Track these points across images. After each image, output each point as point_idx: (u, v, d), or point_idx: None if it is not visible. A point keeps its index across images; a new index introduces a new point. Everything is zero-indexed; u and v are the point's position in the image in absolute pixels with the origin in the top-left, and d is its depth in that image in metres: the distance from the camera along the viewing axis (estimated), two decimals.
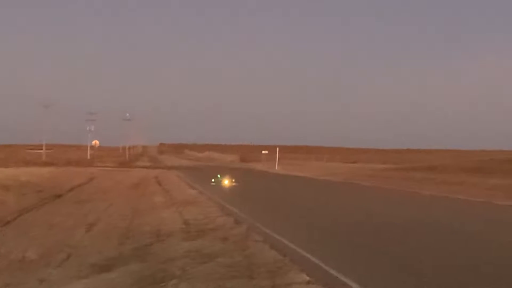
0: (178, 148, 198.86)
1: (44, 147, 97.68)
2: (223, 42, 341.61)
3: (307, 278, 9.69)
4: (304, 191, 36.02)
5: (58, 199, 29.86)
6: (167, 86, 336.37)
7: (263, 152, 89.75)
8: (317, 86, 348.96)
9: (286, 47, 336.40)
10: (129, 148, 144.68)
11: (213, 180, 37.41)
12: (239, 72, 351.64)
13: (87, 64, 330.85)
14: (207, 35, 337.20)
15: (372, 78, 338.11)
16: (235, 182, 37.41)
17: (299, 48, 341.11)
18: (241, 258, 11.54)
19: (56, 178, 42.06)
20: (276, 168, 72.28)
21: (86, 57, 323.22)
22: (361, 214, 21.20)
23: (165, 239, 14.93)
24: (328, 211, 22.72)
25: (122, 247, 14.44)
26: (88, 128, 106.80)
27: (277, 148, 76.66)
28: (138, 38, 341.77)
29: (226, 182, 37.00)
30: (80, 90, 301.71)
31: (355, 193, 33.75)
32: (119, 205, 25.84)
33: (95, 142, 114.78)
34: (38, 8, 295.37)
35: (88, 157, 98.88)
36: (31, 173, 41.47)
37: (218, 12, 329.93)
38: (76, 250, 14.58)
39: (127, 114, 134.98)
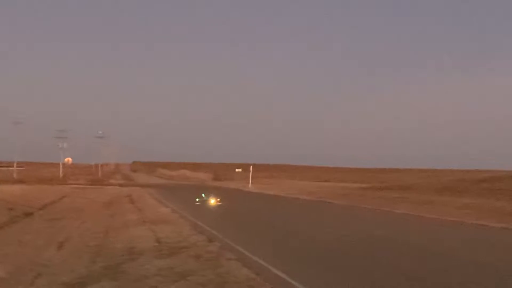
0: (151, 166, 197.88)
1: (15, 165, 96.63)
2: (195, 59, 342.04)
3: None
4: (278, 209, 36.01)
5: (29, 217, 29.56)
6: (140, 104, 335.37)
7: (237, 170, 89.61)
8: (290, 105, 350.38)
9: (260, 66, 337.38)
10: (102, 165, 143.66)
11: (197, 199, 36.57)
12: (213, 90, 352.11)
13: (59, 81, 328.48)
14: (174, 52, 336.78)
15: (346, 96, 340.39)
16: (220, 201, 36.47)
17: (276, 66, 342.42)
18: (213, 276, 11.51)
19: (27, 196, 41.61)
20: (250, 186, 72.22)
21: (58, 73, 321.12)
22: (335, 233, 21.31)
23: (137, 257, 14.83)
24: (302, 228, 22.75)
25: (94, 266, 14.31)
26: (60, 146, 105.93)
27: (251, 167, 76.61)
28: (111, 55, 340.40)
29: (212, 201, 36.05)
30: (53, 107, 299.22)
31: (329, 212, 33.84)
32: (91, 223, 25.65)
33: (68, 160, 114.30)
34: (11, 24, 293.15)
35: (61, 174, 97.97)
36: (1, 191, 40.96)
37: (197, 28, 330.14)
38: (47, 269, 14.43)
39: (100, 132, 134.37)
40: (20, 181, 70.61)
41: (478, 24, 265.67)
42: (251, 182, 75.25)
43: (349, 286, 10.97)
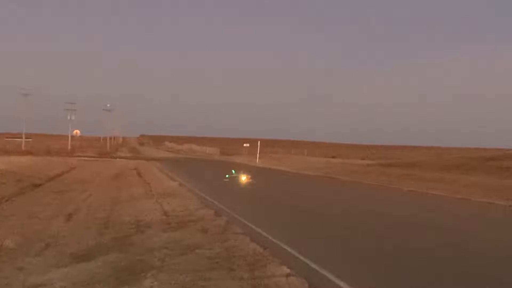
0: (158, 140, 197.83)
1: (23, 136, 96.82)
2: (206, 41, 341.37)
3: (288, 270, 9.72)
4: (284, 184, 35.98)
5: (37, 189, 29.65)
6: (148, 78, 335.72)
7: (244, 145, 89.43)
8: (299, 82, 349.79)
9: (268, 46, 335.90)
10: (110, 138, 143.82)
11: (227, 175, 33.90)
12: (222, 67, 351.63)
13: (69, 55, 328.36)
14: (190, 34, 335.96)
15: (356, 74, 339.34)
16: (251, 178, 33.33)
17: (282, 45, 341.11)
18: (221, 250, 11.53)
19: (35, 167, 41.69)
20: (257, 161, 72.17)
21: (68, 47, 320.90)
22: (340, 209, 21.36)
23: (144, 230, 14.88)
24: (308, 203, 22.76)
25: (101, 238, 14.36)
26: (68, 118, 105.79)
27: (258, 142, 76.42)
28: (121, 32, 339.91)
29: (243, 178, 33.01)
30: (62, 80, 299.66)
31: (335, 188, 33.84)
32: (98, 196, 25.71)
33: (76, 132, 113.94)
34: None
35: (69, 146, 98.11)
36: (10, 162, 41.05)
37: (205, 12, 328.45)
38: (55, 240, 14.49)
39: (108, 105, 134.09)
40: (28, 153, 70.71)
41: None
42: (259, 157, 75.19)
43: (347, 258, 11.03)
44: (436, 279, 9.74)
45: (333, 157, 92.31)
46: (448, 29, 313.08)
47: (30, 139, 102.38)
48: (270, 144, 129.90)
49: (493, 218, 20.27)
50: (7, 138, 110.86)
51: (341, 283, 9.20)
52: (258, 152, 76.32)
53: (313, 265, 10.50)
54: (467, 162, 42.68)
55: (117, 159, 72.10)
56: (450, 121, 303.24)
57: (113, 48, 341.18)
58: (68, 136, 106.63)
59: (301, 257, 11.16)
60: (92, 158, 70.76)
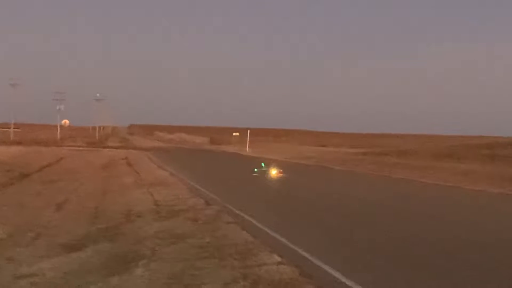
0: (148, 129, 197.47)
1: (12, 126, 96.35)
2: (196, 28, 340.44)
3: (279, 259, 9.79)
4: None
5: (27, 179, 29.57)
6: (137, 68, 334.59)
7: (234, 134, 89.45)
8: (287, 71, 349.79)
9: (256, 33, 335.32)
10: (99, 128, 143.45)
11: (255, 169, 31.15)
12: (211, 55, 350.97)
13: (58, 44, 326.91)
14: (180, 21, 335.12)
15: (346, 62, 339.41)
16: (282, 172, 30.38)
17: (272, 32, 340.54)
18: (211, 239, 11.59)
19: (24, 157, 41.61)
20: (247, 150, 72.19)
21: (57, 37, 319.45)
22: (333, 197, 21.48)
23: (135, 219, 14.92)
24: (300, 193, 22.85)
25: (92, 227, 14.40)
26: (57, 108, 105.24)
27: (248, 130, 76.36)
28: (110, 20, 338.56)
29: (273, 172, 30.15)
30: (51, 70, 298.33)
31: (327, 176, 33.96)
32: (88, 185, 25.72)
33: (65, 122, 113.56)
34: None
35: (58, 136, 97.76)
36: None
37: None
38: (45, 230, 14.50)
39: (98, 94, 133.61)
40: (17, 143, 70.44)
41: None
42: (248, 146, 75.18)
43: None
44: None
45: (324, 145, 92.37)
46: (437, 20, 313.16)
47: (18, 129, 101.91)
48: (260, 133, 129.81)
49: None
50: None
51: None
52: (248, 141, 76.30)
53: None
54: (459, 150, 42.87)
55: (107, 149, 71.95)
56: (444, 109, 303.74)
57: (103, 38, 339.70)
58: (57, 126, 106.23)
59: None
60: (82, 148, 70.53)
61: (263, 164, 31.81)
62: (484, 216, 17.75)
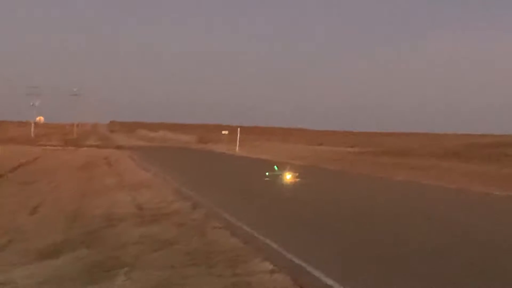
0: (130, 127, 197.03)
1: None
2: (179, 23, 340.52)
3: (271, 267, 9.76)
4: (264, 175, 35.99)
5: None
6: (118, 61, 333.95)
7: (223, 132, 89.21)
8: (281, 68, 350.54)
9: (247, 29, 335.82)
10: (77, 125, 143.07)
11: (267, 173, 29.44)
12: (197, 50, 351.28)
13: (32, 34, 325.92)
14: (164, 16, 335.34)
15: (339, 59, 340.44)
16: (298, 177, 28.76)
17: (269, 28, 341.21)
18: (199, 245, 11.55)
19: None
20: (237, 150, 72.12)
21: (32, 29, 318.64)
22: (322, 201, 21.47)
23: (116, 224, 14.86)
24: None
25: (70, 232, 14.35)
26: (31, 104, 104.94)
27: (238, 129, 76.16)
28: (86, 9, 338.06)
29: (288, 176, 28.40)
30: (25, 64, 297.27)
31: (322, 178, 33.96)
32: (66, 187, 25.64)
33: (40, 119, 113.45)
34: None
35: (32, 134, 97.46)
36: None
37: None
38: (19, 235, 14.45)
39: (75, 89, 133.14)
40: None
41: None
42: (239, 145, 75.09)
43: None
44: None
45: (320, 144, 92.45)
46: (440, 11, 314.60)
47: None
48: (252, 131, 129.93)
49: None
50: None
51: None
52: (238, 139, 76.14)
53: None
54: (464, 149, 43.03)
55: (86, 147, 71.76)
56: (445, 106, 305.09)
57: (80, 30, 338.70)
58: (31, 123, 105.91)
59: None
60: (59, 147, 70.33)
61: (276, 167, 29.94)
62: None
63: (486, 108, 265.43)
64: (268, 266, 9.78)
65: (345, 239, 13.12)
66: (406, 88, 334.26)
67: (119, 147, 72.21)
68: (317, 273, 9.60)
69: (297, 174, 28.66)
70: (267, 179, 28.29)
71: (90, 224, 15.29)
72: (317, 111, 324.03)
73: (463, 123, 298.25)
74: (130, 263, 10.25)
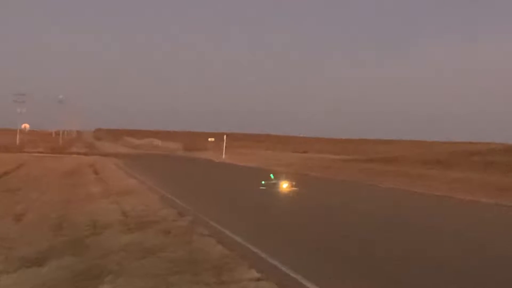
0: (116, 134, 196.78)
1: None
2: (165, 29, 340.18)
3: (257, 274, 9.75)
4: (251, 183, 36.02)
5: None
6: (105, 69, 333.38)
7: (209, 139, 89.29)
8: (265, 73, 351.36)
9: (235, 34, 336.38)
10: (63, 133, 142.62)
11: (263, 182, 28.69)
12: (185, 56, 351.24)
13: (18, 42, 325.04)
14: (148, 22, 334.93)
15: (324, 65, 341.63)
16: (295, 186, 28.01)
17: (250, 34, 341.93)
18: (184, 253, 11.52)
19: None
20: (223, 157, 72.16)
21: (17, 34, 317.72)
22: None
23: (101, 231, 14.79)
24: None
25: (55, 240, 14.25)
26: (18, 111, 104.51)
27: (225, 136, 76.27)
28: (72, 19, 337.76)
29: (284, 186, 27.74)
30: (10, 71, 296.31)
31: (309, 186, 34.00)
32: (51, 195, 25.48)
33: (25, 126, 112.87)
34: None
35: (17, 141, 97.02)
36: None
37: None
38: (3, 242, 14.32)
39: (61, 96, 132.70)
40: None
41: None
42: (225, 153, 75.13)
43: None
44: None
45: (305, 152, 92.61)
46: (431, 20, 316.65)
47: None
48: (238, 139, 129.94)
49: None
50: None
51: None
52: (224, 147, 76.21)
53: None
54: (449, 157, 43.20)
55: (72, 155, 71.53)
56: (432, 114, 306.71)
57: (68, 38, 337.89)
58: (16, 130, 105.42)
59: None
60: (44, 154, 70.06)
61: (272, 176, 29.37)
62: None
63: (471, 115, 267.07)
64: (255, 274, 9.80)
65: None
66: (392, 95, 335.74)
67: (105, 155, 72.08)
68: None
69: (294, 182, 28.07)
70: (263, 188, 27.69)
71: (75, 231, 15.19)
72: (303, 118, 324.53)
73: (449, 131, 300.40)
74: (115, 271, 10.20)
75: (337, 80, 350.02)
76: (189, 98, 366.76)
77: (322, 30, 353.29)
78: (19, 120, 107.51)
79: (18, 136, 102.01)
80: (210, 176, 40.01)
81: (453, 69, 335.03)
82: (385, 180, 33.81)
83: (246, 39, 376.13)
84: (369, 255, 12.23)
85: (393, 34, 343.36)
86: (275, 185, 27.84)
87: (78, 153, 76.44)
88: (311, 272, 10.22)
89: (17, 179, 33.86)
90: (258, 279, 9.45)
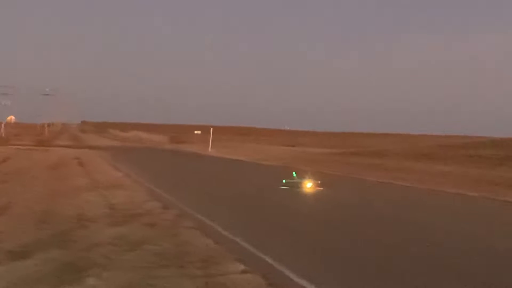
0: (102, 127, 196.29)
1: None
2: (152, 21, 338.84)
3: (243, 267, 9.80)
4: (241, 176, 36.08)
5: None
6: (90, 60, 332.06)
7: (196, 132, 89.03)
8: (253, 66, 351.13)
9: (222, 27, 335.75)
10: (49, 125, 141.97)
11: (284, 180, 26.61)
12: (171, 47, 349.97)
13: (5, 35, 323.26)
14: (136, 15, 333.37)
15: (311, 58, 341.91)
16: (320, 185, 26.10)
17: (238, 26, 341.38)
18: (171, 246, 11.55)
19: None
20: (210, 150, 72.10)
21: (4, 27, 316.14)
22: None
23: (87, 224, 14.78)
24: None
25: (40, 233, 14.21)
26: (3, 103, 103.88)
27: (211, 129, 76.09)
28: (57, 10, 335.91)
29: (308, 185, 25.62)
30: None
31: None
32: (36, 188, 25.37)
33: (10, 118, 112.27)
34: None
35: (3, 134, 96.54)
36: None
37: None
38: None
39: (47, 89, 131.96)
40: None
41: None
42: (211, 146, 75.04)
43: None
44: None
45: (293, 145, 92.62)
46: (414, 14, 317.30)
47: None
48: (225, 131, 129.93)
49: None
50: None
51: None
52: (210, 140, 76.08)
53: None
54: (437, 150, 43.38)
55: (57, 147, 71.22)
56: (420, 107, 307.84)
57: (52, 30, 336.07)
58: (1, 123, 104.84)
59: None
60: (29, 147, 69.69)
61: (294, 174, 27.13)
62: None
63: (458, 109, 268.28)
64: (241, 266, 9.85)
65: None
66: (380, 89, 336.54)
67: (91, 147, 71.84)
68: None
69: (319, 181, 26.22)
70: (284, 187, 25.75)
71: (62, 224, 15.16)
72: (291, 111, 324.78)
73: (436, 124, 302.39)
74: (101, 264, 10.21)
75: (322, 73, 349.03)
76: (175, 90, 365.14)
77: (306, 22, 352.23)
78: (5, 113, 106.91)
79: (3, 128, 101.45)
80: (198, 170, 40.01)
81: (437, 61, 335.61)
82: (371, 174, 33.92)
83: (238, 31, 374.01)
84: None
85: (378, 28, 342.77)
86: (298, 185, 25.80)
87: (64, 146, 76.08)
88: None
89: (2, 172, 33.70)
90: (243, 271, 9.52)
